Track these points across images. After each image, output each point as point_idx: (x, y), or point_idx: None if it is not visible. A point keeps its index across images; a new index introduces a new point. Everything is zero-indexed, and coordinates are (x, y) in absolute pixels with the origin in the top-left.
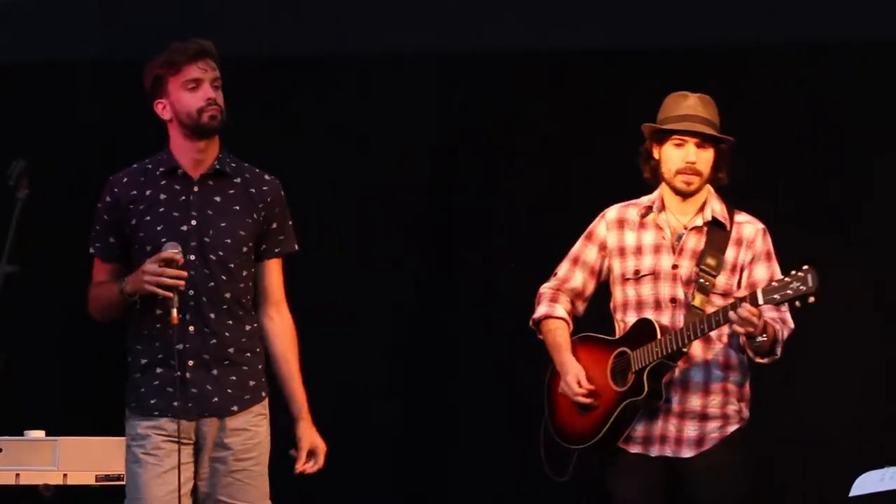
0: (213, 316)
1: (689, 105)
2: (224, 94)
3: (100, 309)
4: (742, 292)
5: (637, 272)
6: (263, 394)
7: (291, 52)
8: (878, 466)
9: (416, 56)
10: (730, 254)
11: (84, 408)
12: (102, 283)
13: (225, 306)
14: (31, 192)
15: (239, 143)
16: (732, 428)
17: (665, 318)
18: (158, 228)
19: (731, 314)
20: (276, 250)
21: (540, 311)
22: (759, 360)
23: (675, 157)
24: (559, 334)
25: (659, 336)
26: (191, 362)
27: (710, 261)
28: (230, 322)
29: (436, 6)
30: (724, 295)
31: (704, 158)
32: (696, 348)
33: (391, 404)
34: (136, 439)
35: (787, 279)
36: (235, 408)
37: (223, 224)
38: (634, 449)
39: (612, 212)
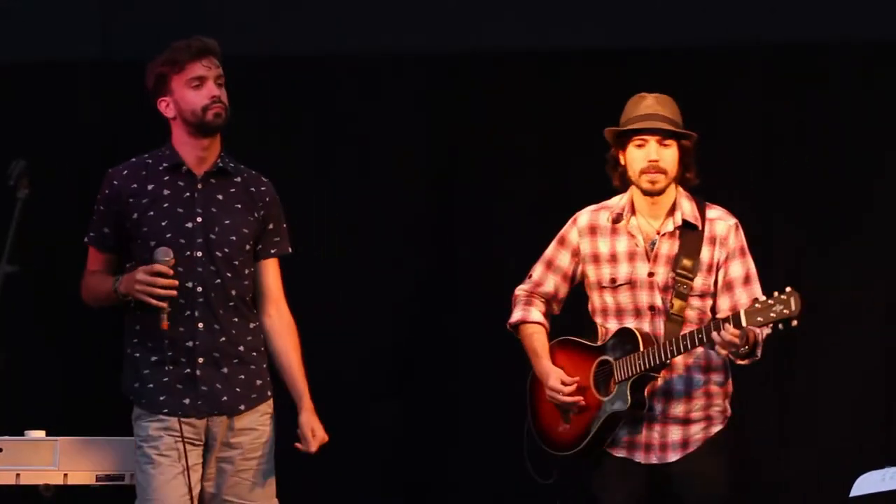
0: (221, 312)
1: (646, 105)
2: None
3: (92, 298)
4: (722, 298)
5: (613, 280)
6: (269, 393)
7: (291, 52)
8: (879, 466)
9: (416, 56)
10: (705, 254)
11: (84, 408)
12: (95, 273)
13: (231, 303)
14: (31, 191)
15: (239, 143)
16: (716, 429)
17: (646, 326)
18: (163, 224)
19: (714, 335)
20: (273, 251)
21: (515, 315)
22: (739, 362)
23: (638, 157)
24: (536, 339)
25: (642, 348)
26: (201, 360)
27: (686, 263)
28: (236, 319)
29: (436, 6)
30: (702, 296)
31: (667, 156)
32: None
33: (391, 404)
34: (147, 440)
35: (770, 301)
36: (243, 407)
37: (227, 221)
38: (619, 453)
39: (583, 217)
